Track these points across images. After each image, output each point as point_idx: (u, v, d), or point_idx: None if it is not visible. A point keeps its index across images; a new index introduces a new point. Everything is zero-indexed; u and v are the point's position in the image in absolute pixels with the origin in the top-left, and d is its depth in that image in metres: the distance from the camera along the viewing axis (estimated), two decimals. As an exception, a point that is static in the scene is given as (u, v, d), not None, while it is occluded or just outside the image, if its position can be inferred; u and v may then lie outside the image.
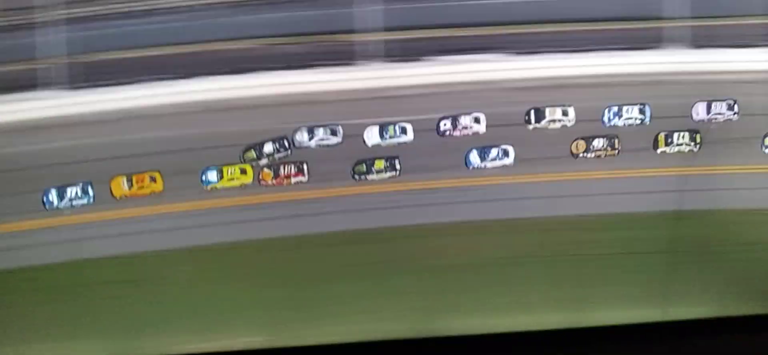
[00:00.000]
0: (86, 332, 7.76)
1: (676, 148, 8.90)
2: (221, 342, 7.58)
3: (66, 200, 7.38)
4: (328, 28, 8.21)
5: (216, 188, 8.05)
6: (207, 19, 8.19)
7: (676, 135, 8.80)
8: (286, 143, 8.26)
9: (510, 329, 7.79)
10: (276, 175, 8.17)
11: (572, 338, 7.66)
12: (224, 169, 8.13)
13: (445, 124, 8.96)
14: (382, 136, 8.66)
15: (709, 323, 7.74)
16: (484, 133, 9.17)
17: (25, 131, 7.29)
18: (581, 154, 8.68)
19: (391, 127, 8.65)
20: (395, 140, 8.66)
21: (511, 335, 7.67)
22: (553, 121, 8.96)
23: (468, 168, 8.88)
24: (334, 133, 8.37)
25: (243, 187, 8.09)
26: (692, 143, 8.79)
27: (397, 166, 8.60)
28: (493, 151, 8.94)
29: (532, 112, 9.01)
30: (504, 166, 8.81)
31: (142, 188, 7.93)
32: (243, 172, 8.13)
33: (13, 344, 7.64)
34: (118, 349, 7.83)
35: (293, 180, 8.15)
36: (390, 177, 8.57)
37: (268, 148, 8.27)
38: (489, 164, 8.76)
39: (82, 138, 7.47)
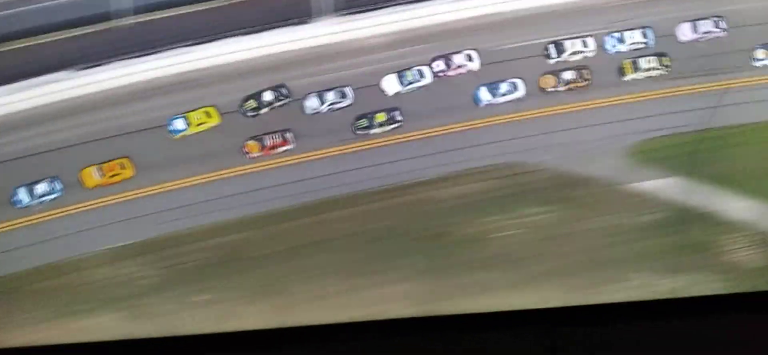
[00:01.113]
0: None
1: (645, 74, 9.00)
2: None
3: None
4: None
5: (186, 135, 7.91)
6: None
7: (642, 60, 8.91)
8: (284, 91, 8.07)
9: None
10: (263, 146, 8.05)
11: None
12: (190, 116, 7.98)
13: (437, 65, 8.57)
14: (401, 82, 8.46)
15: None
16: (479, 71, 8.81)
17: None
18: (550, 89, 8.56)
19: (409, 72, 8.44)
20: (415, 85, 8.39)
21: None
22: (575, 53, 8.83)
23: (478, 106, 8.54)
24: (343, 95, 8.16)
25: (212, 130, 7.93)
26: (662, 68, 8.86)
27: (399, 118, 8.29)
28: (504, 86, 8.66)
29: (552, 46, 8.81)
30: (516, 100, 8.52)
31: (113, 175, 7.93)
32: (208, 115, 8.04)
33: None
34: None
35: (280, 149, 8.01)
36: (393, 129, 8.33)
37: (268, 96, 8.11)
38: (500, 99, 8.45)
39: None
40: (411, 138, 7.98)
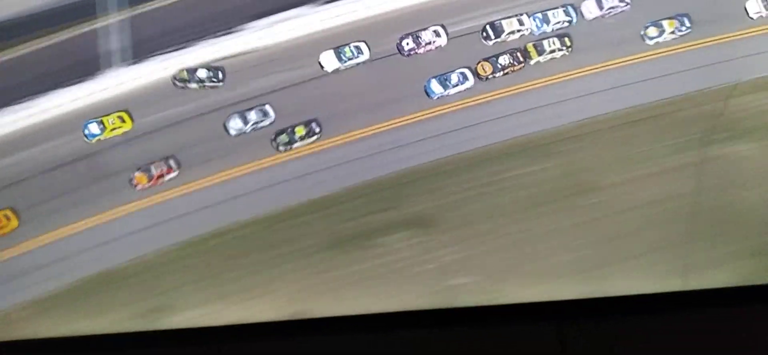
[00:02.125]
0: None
1: (549, 56, 9.77)
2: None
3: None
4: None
5: (101, 139, 8.38)
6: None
7: (545, 43, 9.63)
8: (220, 75, 8.40)
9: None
10: (150, 177, 8.27)
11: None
12: (104, 120, 8.48)
13: (407, 44, 8.53)
14: (339, 58, 8.53)
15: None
16: (446, 46, 9.03)
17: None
18: (489, 76, 9.06)
19: (347, 49, 8.54)
20: (353, 61, 8.58)
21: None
22: (512, 33, 9.15)
23: (432, 98, 8.80)
24: (265, 114, 8.30)
25: (125, 135, 8.39)
26: (564, 48, 9.66)
27: (317, 130, 8.46)
28: (454, 77, 8.91)
29: (489, 27, 9.02)
30: (467, 90, 8.88)
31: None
32: (121, 119, 8.51)
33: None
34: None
35: (167, 177, 8.27)
36: (313, 141, 8.50)
37: (202, 73, 8.43)
38: (452, 91, 8.74)
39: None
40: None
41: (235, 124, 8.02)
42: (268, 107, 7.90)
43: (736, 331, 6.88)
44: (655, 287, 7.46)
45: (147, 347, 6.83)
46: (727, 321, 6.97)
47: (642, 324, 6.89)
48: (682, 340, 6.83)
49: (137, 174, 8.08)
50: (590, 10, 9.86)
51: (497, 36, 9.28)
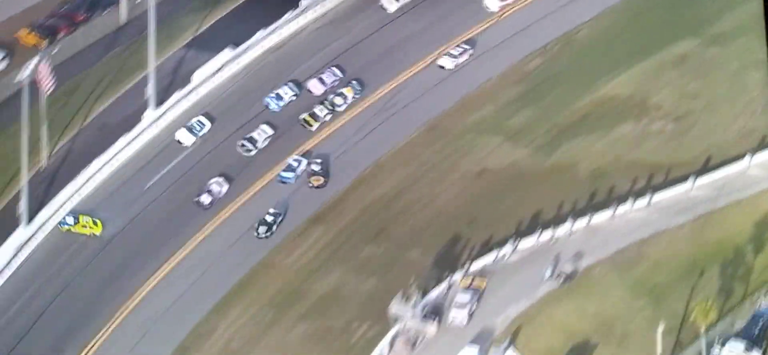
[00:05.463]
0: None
1: (323, 120, 15.94)
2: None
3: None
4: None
5: (71, 230, 13.05)
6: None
7: (317, 110, 15.15)
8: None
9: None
10: None
11: None
12: (80, 217, 13.68)
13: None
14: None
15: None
16: None
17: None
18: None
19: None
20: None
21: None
22: (265, 140, 14.74)
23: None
24: None
25: (92, 236, 13.09)
26: (330, 111, 15.25)
27: None
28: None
29: (247, 142, 14.74)
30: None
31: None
32: (95, 223, 13.68)
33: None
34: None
35: None
36: None
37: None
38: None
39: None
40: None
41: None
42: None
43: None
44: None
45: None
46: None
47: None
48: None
49: None
50: (315, 86, 16.48)
51: (254, 145, 15.66)
